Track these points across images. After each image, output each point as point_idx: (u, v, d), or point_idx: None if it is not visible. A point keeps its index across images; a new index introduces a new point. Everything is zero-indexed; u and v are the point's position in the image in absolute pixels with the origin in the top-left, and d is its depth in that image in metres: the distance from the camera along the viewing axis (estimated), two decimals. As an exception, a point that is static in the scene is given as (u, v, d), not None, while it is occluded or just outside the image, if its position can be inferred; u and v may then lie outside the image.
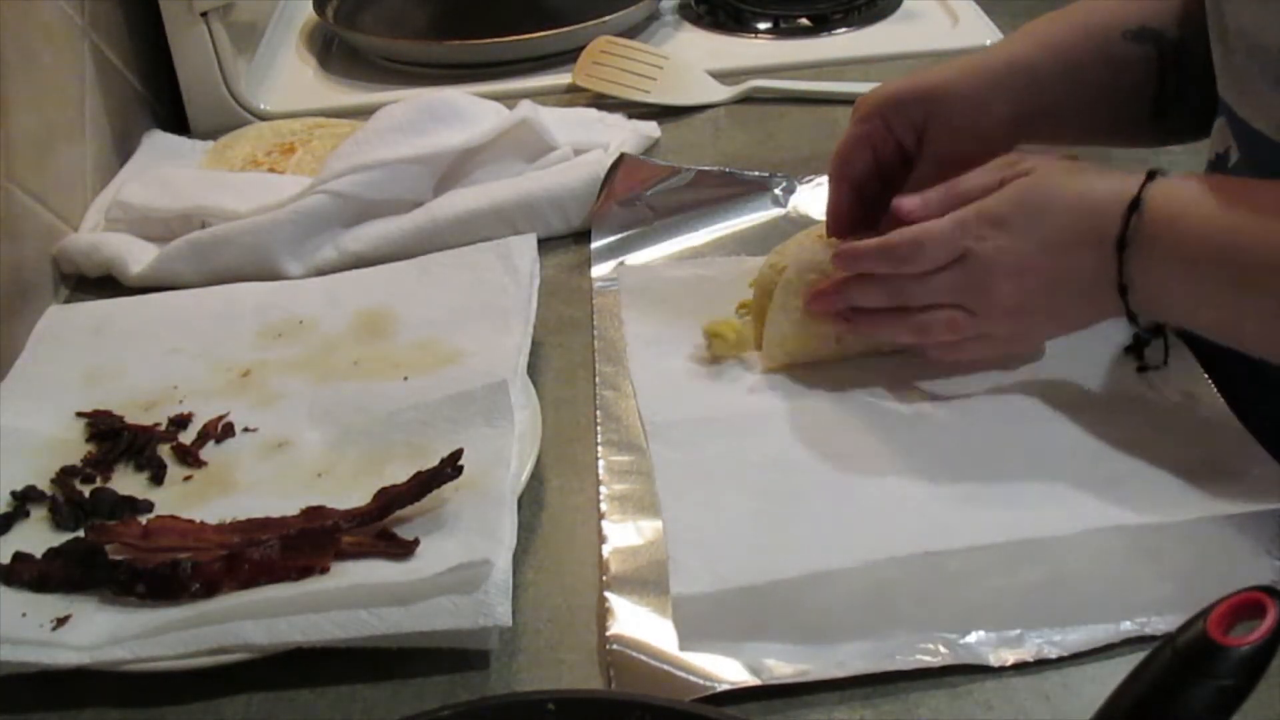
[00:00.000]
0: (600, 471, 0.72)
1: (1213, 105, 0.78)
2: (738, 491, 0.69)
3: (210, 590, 0.63)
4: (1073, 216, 0.69)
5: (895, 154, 0.80)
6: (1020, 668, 0.59)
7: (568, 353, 0.83)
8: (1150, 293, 0.67)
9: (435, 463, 0.67)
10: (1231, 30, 0.71)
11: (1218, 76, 0.75)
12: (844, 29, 1.23)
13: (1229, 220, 0.65)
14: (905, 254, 0.72)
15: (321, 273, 0.91)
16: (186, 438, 0.76)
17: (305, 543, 0.64)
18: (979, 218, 0.70)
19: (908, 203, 0.73)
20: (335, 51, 1.27)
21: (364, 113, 1.01)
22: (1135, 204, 0.66)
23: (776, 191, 0.96)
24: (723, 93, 1.12)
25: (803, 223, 0.92)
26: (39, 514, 0.70)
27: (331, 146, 1.00)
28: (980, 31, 1.19)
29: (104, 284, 0.93)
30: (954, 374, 0.75)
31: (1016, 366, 0.76)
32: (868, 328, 0.76)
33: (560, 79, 1.15)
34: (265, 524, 0.67)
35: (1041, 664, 0.59)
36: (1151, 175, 0.67)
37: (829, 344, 0.77)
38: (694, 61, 1.16)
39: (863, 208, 0.81)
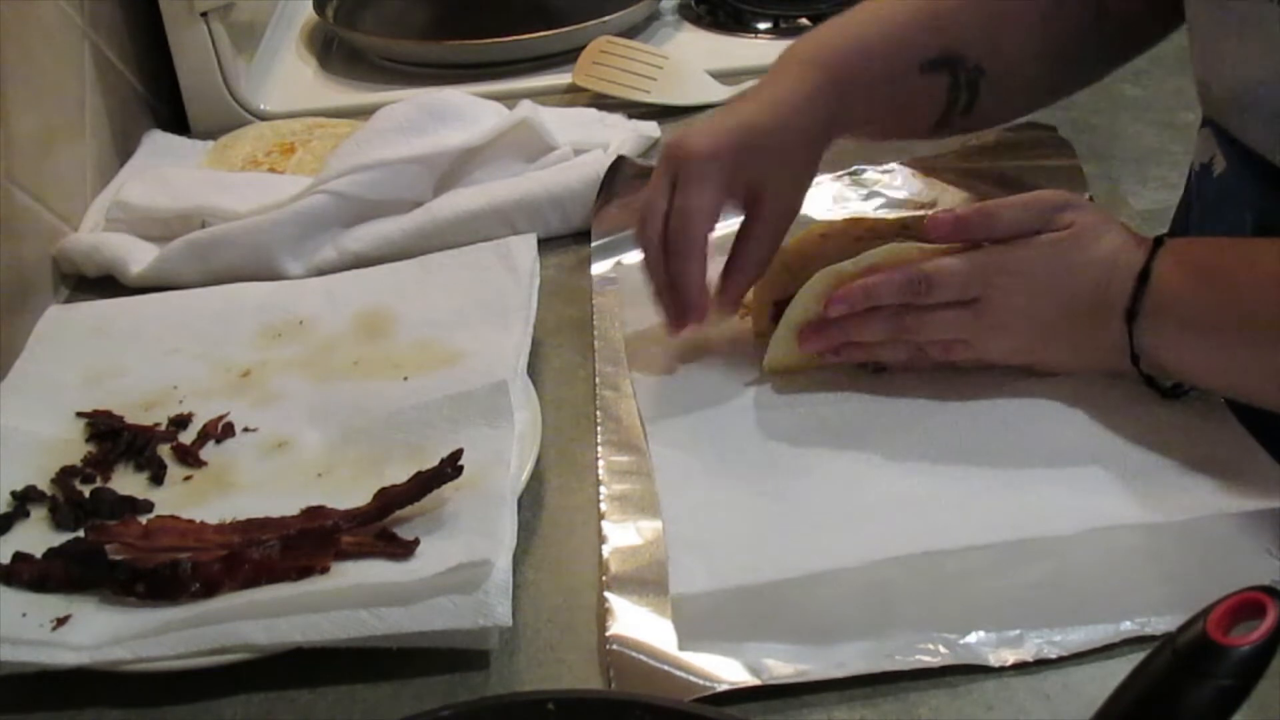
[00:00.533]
0: (600, 471, 0.72)
1: (1006, 112, 0.81)
2: (738, 491, 0.69)
3: (210, 590, 0.63)
4: (1088, 286, 0.69)
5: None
6: (1020, 668, 0.59)
7: (568, 353, 0.83)
8: (1161, 360, 0.68)
9: (435, 463, 0.67)
10: None
11: (1198, 90, 0.75)
12: (844, 29, 1.23)
13: (1236, 288, 0.66)
14: (921, 288, 0.71)
15: (321, 273, 0.91)
16: (186, 438, 0.76)
17: (305, 543, 0.64)
18: (1001, 261, 0.70)
19: (944, 219, 0.71)
20: (335, 51, 1.27)
21: (364, 113, 1.01)
22: (1144, 275, 0.67)
23: (776, 191, 0.96)
24: (723, 93, 1.12)
25: (802, 222, 0.92)
26: (39, 514, 0.70)
27: (331, 146, 1.00)
28: (980, 31, 1.19)
29: (104, 284, 0.93)
30: (953, 374, 0.75)
31: (1016, 367, 0.76)
32: (862, 355, 0.75)
33: (560, 79, 1.15)
34: (265, 524, 0.67)
35: (1041, 664, 0.59)
36: (1159, 241, 0.68)
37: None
38: (694, 61, 1.16)
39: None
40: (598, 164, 0.95)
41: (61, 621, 0.62)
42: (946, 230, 0.71)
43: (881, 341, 0.74)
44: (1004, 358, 0.73)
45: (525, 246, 0.87)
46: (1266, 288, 0.65)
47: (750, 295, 0.82)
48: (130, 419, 0.77)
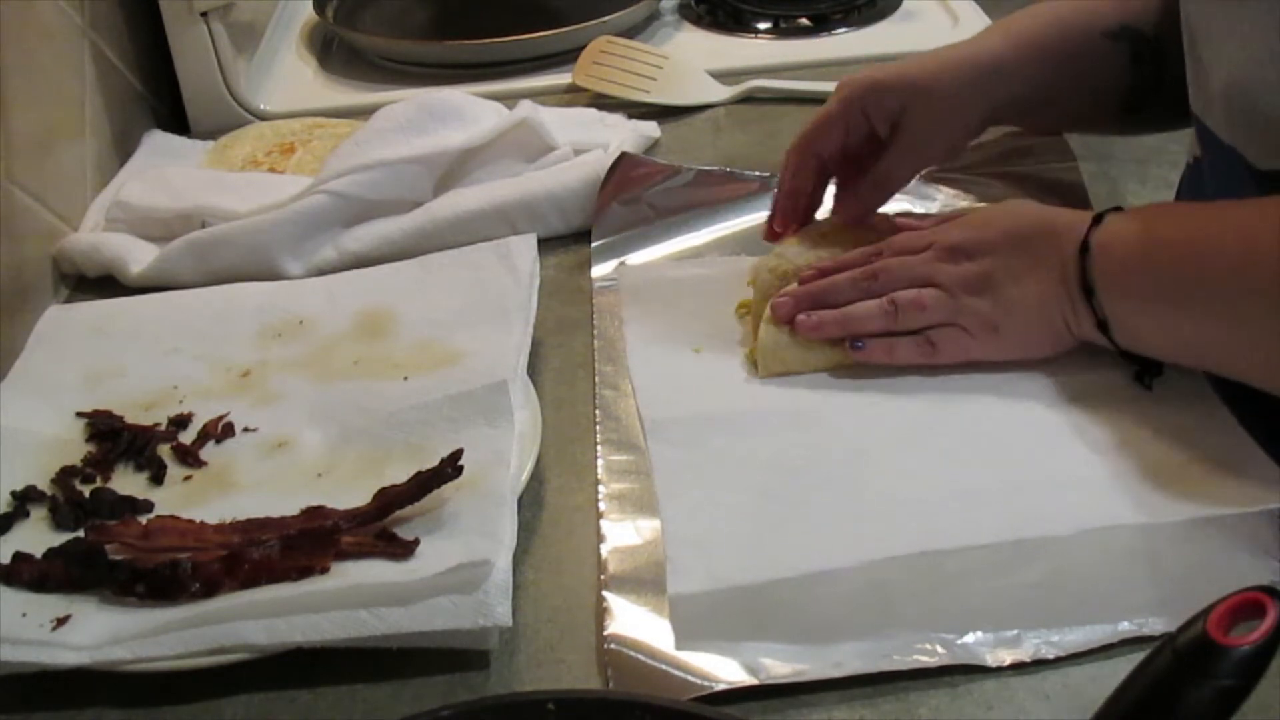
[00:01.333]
0: (599, 471, 0.72)
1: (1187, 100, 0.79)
2: (736, 491, 0.69)
3: (210, 590, 0.63)
4: (1033, 220, 0.73)
5: (864, 140, 0.82)
6: (1020, 668, 0.59)
7: (568, 353, 0.83)
8: (1127, 331, 0.70)
9: (435, 463, 0.67)
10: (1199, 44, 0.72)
11: (1189, 87, 0.75)
12: (844, 29, 1.23)
13: (1184, 256, 0.67)
14: (877, 255, 0.76)
15: (321, 273, 0.91)
16: (186, 438, 0.76)
17: (305, 543, 0.64)
18: (948, 225, 0.76)
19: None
20: (335, 51, 1.27)
21: (364, 113, 1.01)
22: (1084, 247, 0.69)
23: (776, 192, 0.96)
24: (723, 93, 1.12)
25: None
26: (39, 514, 0.70)
27: (332, 146, 1.00)
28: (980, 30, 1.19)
29: (104, 284, 0.93)
30: (952, 375, 0.76)
31: (1015, 367, 0.76)
32: (837, 323, 0.76)
33: (560, 79, 1.15)
34: (265, 524, 0.67)
35: (1041, 664, 0.59)
36: (1099, 218, 0.70)
37: (825, 355, 0.77)
38: (694, 61, 1.16)
39: (818, 190, 0.84)
40: (598, 164, 0.95)
41: (61, 621, 0.62)
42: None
43: (854, 305, 0.75)
44: (980, 310, 0.73)
45: (525, 246, 0.87)
46: (1216, 253, 0.66)
47: (750, 296, 0.82)
48: (130, 419, 0.77)
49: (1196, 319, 0.67)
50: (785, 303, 0.77)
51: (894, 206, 0.94)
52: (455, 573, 0.61)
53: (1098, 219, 0.70)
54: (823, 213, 0.93)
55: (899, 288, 0.75)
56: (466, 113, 0.97)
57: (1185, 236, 0.68)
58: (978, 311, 0.73)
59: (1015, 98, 0.82)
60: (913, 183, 0.95)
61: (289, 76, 1.22)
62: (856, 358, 0.76)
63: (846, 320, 0.76)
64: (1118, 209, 0.71)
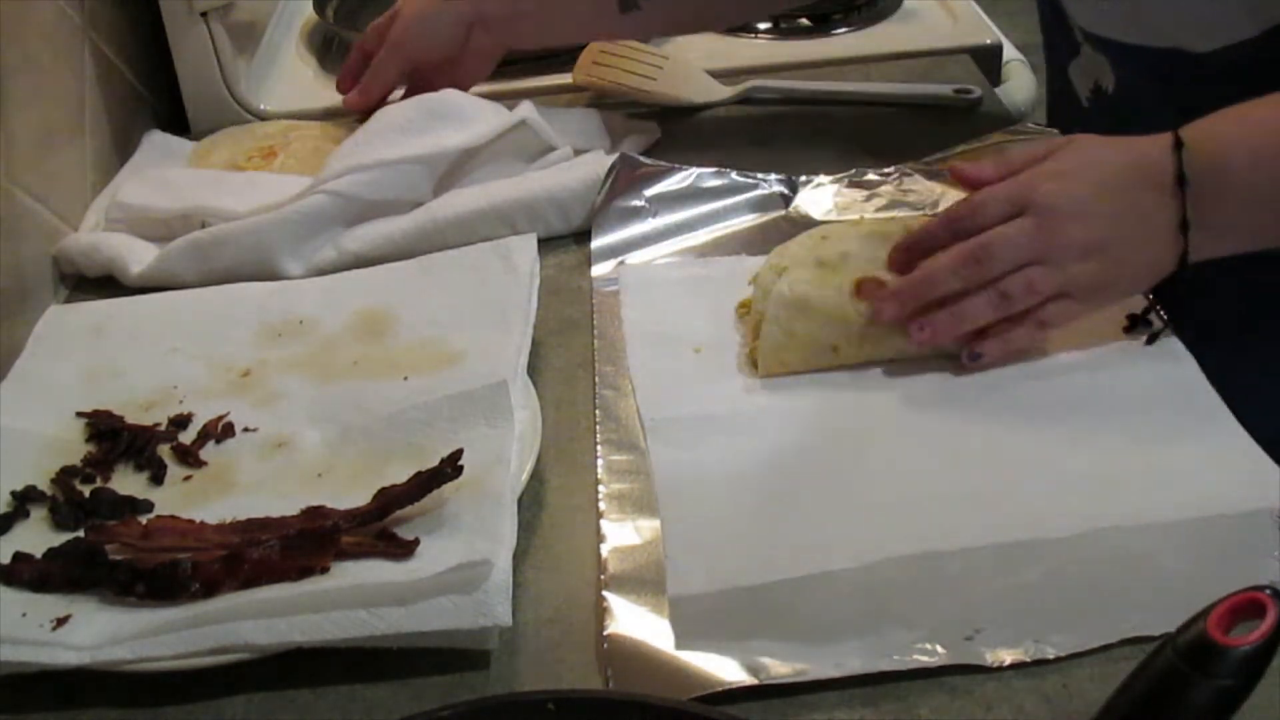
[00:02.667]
0: (599, 471, 0.72)
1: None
2: (736, 491, 0.69)
3: (210, 590, 0.63)
4: (1125, 162, 0.71)
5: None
6: (1020, 668, 0.59)
7: (568, 353, 0.83)
8: (1214, 224, 0.69)
9: (435, 463, 0.67)
10: None
11: (1086, 12, 0.77)
12: (844, 29, 1.23)
13: (1269, 138, 0.68)
14: (967, 214, 0.73)
15: (321, 273, 0.91)
16: (186, 438, 0.76)
17: (305, 543, 0.64)
18: (1034, 174, 0.72)
19: (969, 169, 0.74)
20: (335, 51, 1.26)
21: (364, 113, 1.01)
22: (1178, 143, 0.69)
23: (776, 191, 0.96)
24: (723, 93, 1.12)
25: (803, 223, 0.92)
26: (39, 514, 0.70)
27: (313, 149, 1.00)
28: (980, 31, 1.19)
29: (104, 284, 0.93)
30: (952, 375, 0.76)
31: (1015, 367, 0.76)
32: (950, 325, 0.74)
33: (560, 79, 1.15)
34: (265, 524, 0.67)
35: (1041, 664, 0.59)
36: (1178, 143, 0.70)
37: (825, 355, 0.77)
38: (694, 61, 1.16)
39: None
40: (598, 164, 0.95)
41: (61, 621, 0.62)
42: (971, 173, 0.75)
43: (962, 294, 0.73)
44: (1077, 268, 0.72)
45: (525, 246, 0.87)
46: None
47: (750, 296, 0.82)
48: (130, 419, 0.77)
49: None
50: (889, 304, 0.74)
51: (893, 206, 0.94)
52: (455, 573, 0.61)
53: (1178, 143, 0.69)
54: (822, 215, 0.94)
55: (1004, 270, 0.72)
56: (466, 113, 0.97)
57: (1269, 139, 0.69)
58: (1086, 277, 0.72)
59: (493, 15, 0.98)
60: (916, 180, 0.95)
61: (289, 76, 1.22)
62: (973, 368, 0.74)
63: (959, 322, 0.74)
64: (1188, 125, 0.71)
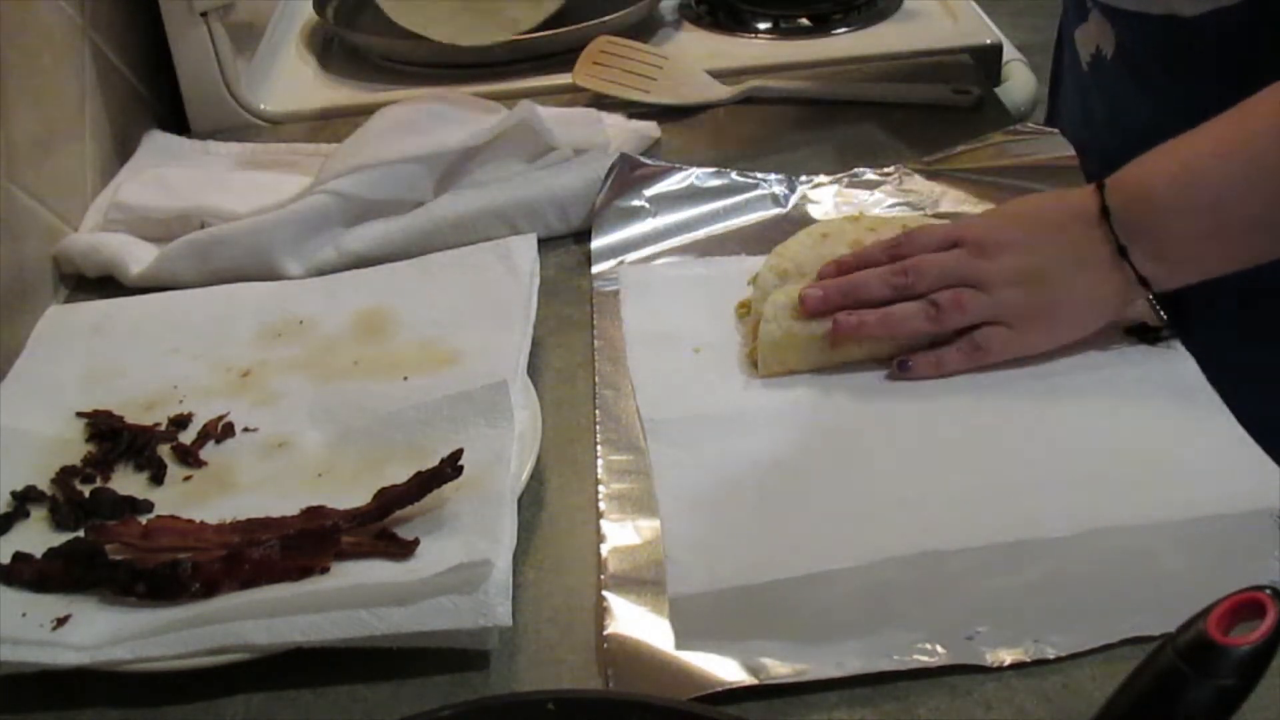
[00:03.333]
0: (599, 471, 0.72)
1: None
2: (736, 491, 0.69)
3: (210, 590, 0.63)
4: (1052, 204, 0.75)
5: None
6: (1020, 668, 0.59)
7: (568, 353, 0.83)
8: (1151, 249, 0.70)
9: (435, 463, 0.67)
10: None
11: None
12: (844, 29, 1.23)
13: (1191, 162, 0.70)
14: (904, 240, 0.76)
15: (321, 273, 0.91)
16: (186, 438, 0.76)
17: (305, 543, 0.64)
18: (964, 220, 0.76)
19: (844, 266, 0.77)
20: (335, 51, 1.27)
21: (364, 113, 1.01)
22: (1100, 185, 0.72)
23: (776, 191, 0.96)
24: (723, 93, 1.12)
25: (803, 223, 0.92)
26: (39, 514, 0.70)
27: None
28: (980, 30, 1.19)
29: (104, 284, 0.93)
30: (951, 375, 0.75)
31: (1014, 369, 0.76)
32: (878, 324, 0.75)
33: (560, 79, 1.15)
34: (265, 524, 0.67)
35: (1041, 664, 0.59)
36: (1100, 185, 0.72)
37: (825, 354, 0.77)
38: (694, 61, 1.16)
39: None
40: (598, 164, 0.95)
41: (61, 621, 0.62)
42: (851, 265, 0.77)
43: (895, 306, 0.75)
44: (1011, 294, 0.73)
45: (525, 246, 0.87)
46: (1216, 154, 0.69)
47: (750, 296, 0.82)
48: (130, 419, 0.77)
49: (1236, 235, 0.70)
50: (815, 296, 0.76)
51: (893, 206, 0.94)
52: (455, 573, 0.61)
53: (1100, 185, 0.72)
54: (822, 215, 0.94)
55: (933, 285, 0.74)
56: (467, 113, 0.97)
57: (1191, 165, 0.70)
58: (1017, 303, 0.73)
59: None
60: (916, 180, 0.96)
61: (289, 76, 1.22)
62: (904, 377, 0.75)
63: (888, 320, 0.75)
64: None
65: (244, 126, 1.13)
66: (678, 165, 0.98)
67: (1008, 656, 0.59)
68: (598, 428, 0.75)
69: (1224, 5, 0.77)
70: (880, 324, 0.75)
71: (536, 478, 0.71)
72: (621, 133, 1.03)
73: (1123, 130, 0.71)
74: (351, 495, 0.68)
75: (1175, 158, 0.71)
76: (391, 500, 0.66)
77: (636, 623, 0.62)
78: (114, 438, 0.75)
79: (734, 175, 0.97)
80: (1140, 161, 0.72)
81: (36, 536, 0.68)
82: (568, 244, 0.94)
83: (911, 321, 0.75)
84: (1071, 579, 0.62)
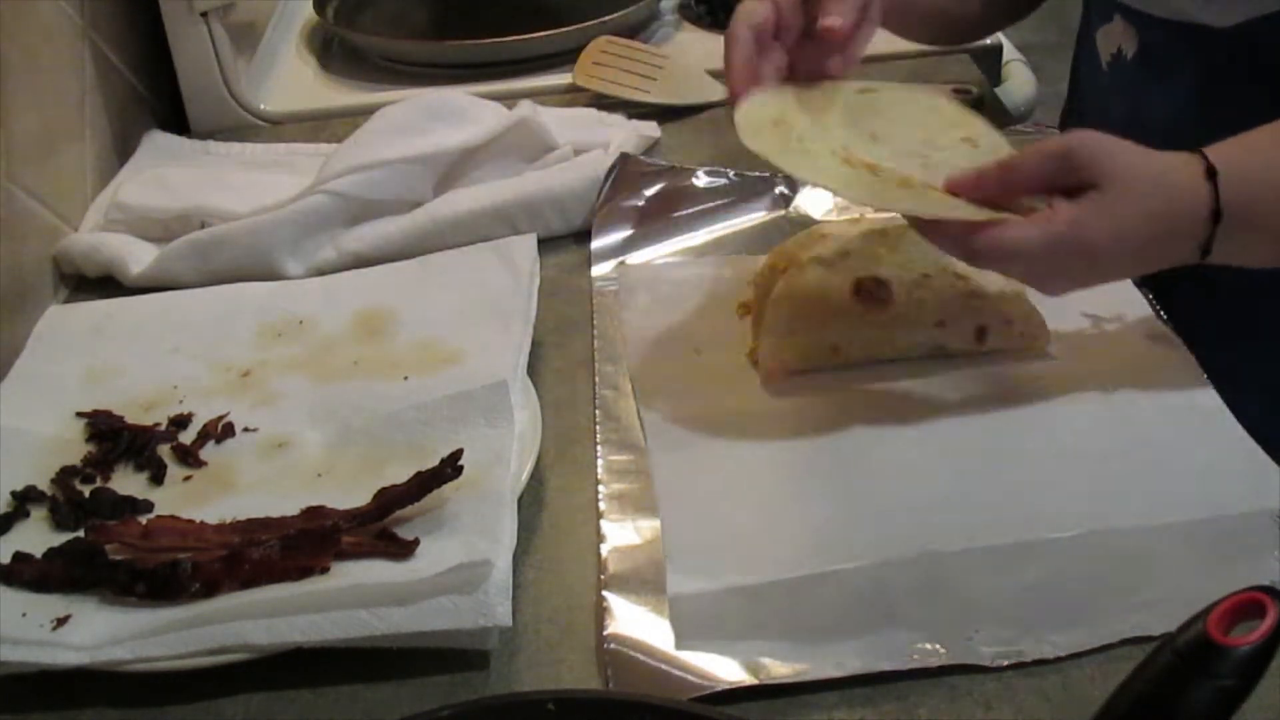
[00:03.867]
0: (599, 471, 0.72)
1: None
2: (736, 491, 0.69)
3: (210, 590, 0.63)
4: (1159, 230, 0.67)
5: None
6: (1020, 668, 0.59)
7: (568, 353, 0.83)
8: (1228, 251, 0.67)
9: (435, 463, 0.67)
10: None
11: None
12: (844, 29, 1.23)
13: None
14: (988, 258, 0.67)
15: (321, 273, 0.91)
16: (186, 438, 0.76)
17: (305, 543, 0.64)
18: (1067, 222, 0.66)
19: (963, 180, 0.68)
20: (335, 51, 1.27)
21: (364, 113, 1.01)
22: (1211, 171, 0.66)
23: (776, 191, 0.96)
24: (723, 93, 1.12)
25: (803, 223, 0.92)
26: (39, 514, 0.70)
27: None
28: (980, 31, 1.19)
29: (104, 284, 0.93)
30: (951, 376, 0.75)
31: (1014, 369, 0.76)
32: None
33: (560, 79, 1.15)
34: (265, 524, 0.67)
35: (1041, 664, 0.59)
36: (1210, 168, 0.67)
37: (826, 355, 0.77)
38: (694, 61, 1.16)
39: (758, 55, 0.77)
40: (598, 164, 0.95)
41: (61, 621, 0.62)
42: (966, 189, 0.68)
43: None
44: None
45: (525, 246, 0.87)
46: None
47: (750, 296, 0.82)
48: (130, 419, 0.77)
49: None
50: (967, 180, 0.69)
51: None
52: (455, 573, 0.61)
53: (1210, 171, 0.66)
54: (822, 215, 0.94)
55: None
56: (467, 113, 0.97)
57: None
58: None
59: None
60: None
61: (289, 76, 1.22)
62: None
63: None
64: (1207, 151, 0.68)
65: (244, 126, 1.13)
66: (678, 165, 0.98)
67: (1008, 657, 0.59)
68: (598, 428, 0.75)
69: (1258, 15, 0.77)
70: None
71: (536, 478, 0.71)
72: (621, 133, 1.03)
73: (1141, 130, 0.70)
74: (351, 495, 0.68)
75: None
76: (391, 500, 0.66)
77: (636, 623, 0.62)
78: (114, 438, 0.75)
79: (734, 175, 0.97)
80: (1242, 156, 0.67)
81: (36, 536, 0.68)
82: (568, 244, 0.94)
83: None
84: (1071, 579, 0.62)
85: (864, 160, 0.70)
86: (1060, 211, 0.65)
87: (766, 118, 0.72)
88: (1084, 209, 0.65)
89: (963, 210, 0.66)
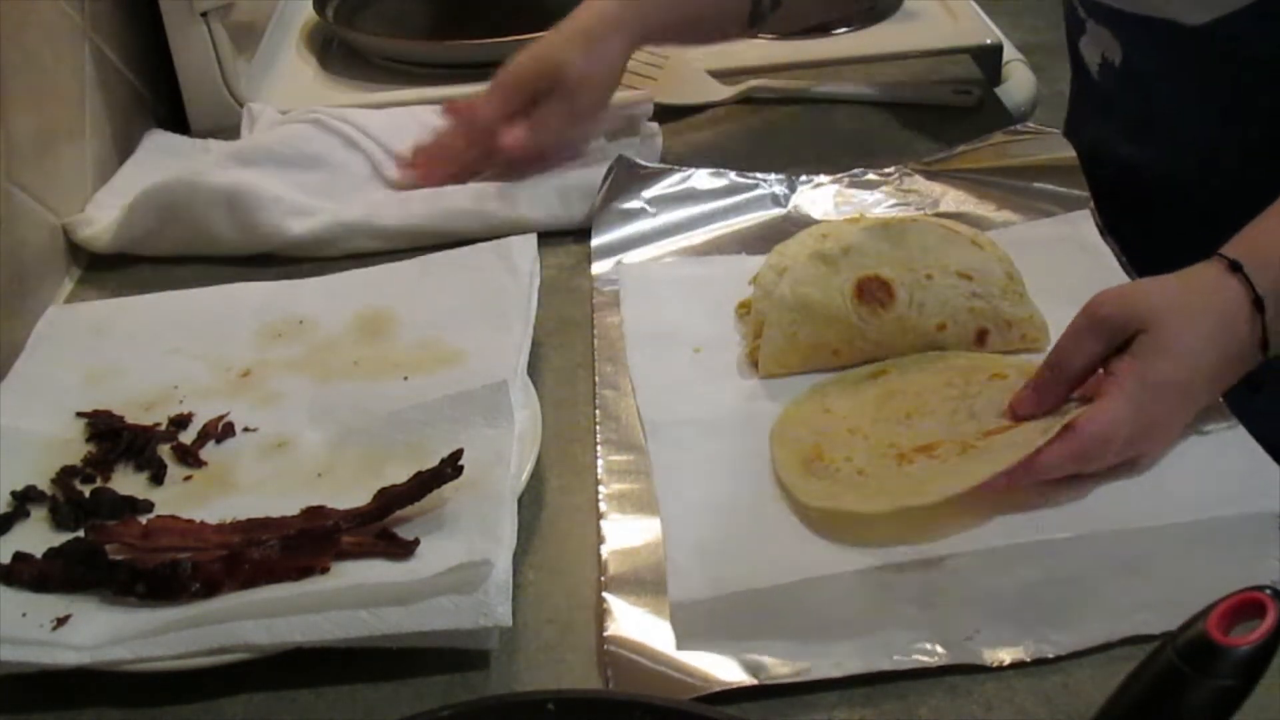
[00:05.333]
0: (599, 471, 0.72)
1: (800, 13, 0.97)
2: (736, 492, 0.69)
3: (210, 590, 0.63)
4: (1218, 350, 0.67)
5: None
6: (1020, 668, 0.59)
7: (568, 353, 0.83)
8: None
9: (435, 463, 0.67)
10: None
11: None
12: (844, 29, 1.23)
13: None
14: (1095, 454, 0.66)
15: (313, 235, 0.93)
16: (186, 438, 0.76)
17: (305, 543, 0.64)
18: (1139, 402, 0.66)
19: (1025, 399, 0.69)
20: (335, 51, 1.26)
21: (364, 113, 1.01)
22: (1258, 303, 0.67)
23: (776, 191, 0.96)
24: (723, 93, 1.12)
25: (803, 223, 0.92)
26: (39, 514, 0.70)
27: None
28: (980, 30, 1.19)
29: (116, 262, 0.94)
30: (950, 376, 0.75)
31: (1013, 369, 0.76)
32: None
33: (560, 79, 1.15)
34: (265, 524, 0.67)
35: (1041, 664, 0.59)
36: (1234, 264, 0.68)
37: (826, 357, 0.77)
38: (694, 61, 1.16)
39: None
40: (598, 164, 0.95)
41: (61, 621, 0.62)
42: (1030, 407, 0.69)
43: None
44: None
45: (525, 246, 0.87)
46: None
47: (750, 295, 0.82)
48: (130, 419, 0.77)
49: None
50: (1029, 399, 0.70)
51: (893, 206, 0.94)
52: (455, 573, 0.61)
53: (1234, 267, 0.67)
54: (821, 215, 0.94)
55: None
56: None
57: None
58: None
59: (638, 38, 0.96)
60: (916, 180, 0.96)
61: (289, 76, 1.22)
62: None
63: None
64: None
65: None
66: (677, 165, 0.98)
67: (1008, 656, 0.59)
68: (598, 428, 0.75)
69: (1230, 11, 0.77)
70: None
71: (536, 478, 0.71)
72: (622, 133, 1.03)
73: (1148, 126, 0.70)
74: (351, 495, 0.68)
75: None
76: (391, 500, 0.66)
77: (636, 623, 0.62)
78: (114, 438, 0.75)
79: (734, 175, 0.97)
80: (1267, 231, 0.68)
81: (36, 536, 0.68)
82: (568, 244, 0.94)
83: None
84: (1071, 579, 0.62)
85: (917, 446, 0.69)
86: (1122, 368, 0.66)
87: (797, 462, 0.70)
88: (1141, 354, 0.66)
89: (1033, 435, 0.66)
